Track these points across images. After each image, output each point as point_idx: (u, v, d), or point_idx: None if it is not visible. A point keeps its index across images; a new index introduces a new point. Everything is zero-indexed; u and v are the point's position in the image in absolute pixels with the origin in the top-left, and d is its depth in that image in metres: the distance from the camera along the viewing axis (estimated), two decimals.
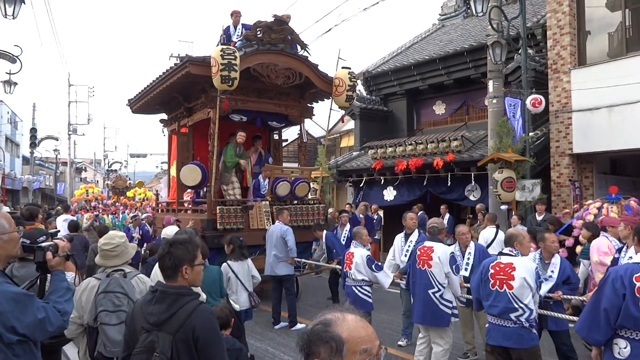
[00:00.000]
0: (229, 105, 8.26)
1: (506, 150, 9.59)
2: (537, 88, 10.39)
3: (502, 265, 3.91)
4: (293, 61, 8.59)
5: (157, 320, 2.18)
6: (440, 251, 4.86)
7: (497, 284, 3.87)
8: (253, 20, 8.59)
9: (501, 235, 7.92)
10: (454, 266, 4.86)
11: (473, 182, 11.32)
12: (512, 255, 3.95)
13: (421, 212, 11.25)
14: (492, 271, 3.93)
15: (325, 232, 7.90)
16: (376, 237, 11.79)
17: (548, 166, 10.50)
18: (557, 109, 10.31)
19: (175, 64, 8.24)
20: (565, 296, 4.59)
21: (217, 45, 8.44)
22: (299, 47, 8.90)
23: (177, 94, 9.35)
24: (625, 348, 2.94)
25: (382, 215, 13.14)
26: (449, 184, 11.83)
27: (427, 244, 4.99)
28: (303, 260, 8.41)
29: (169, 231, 5.09)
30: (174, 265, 2.29)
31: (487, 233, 8.12)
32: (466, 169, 11.33)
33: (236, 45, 8.62)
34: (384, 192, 13.66)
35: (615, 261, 4.98)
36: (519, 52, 10.40)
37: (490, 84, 10.31)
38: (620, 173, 11.42)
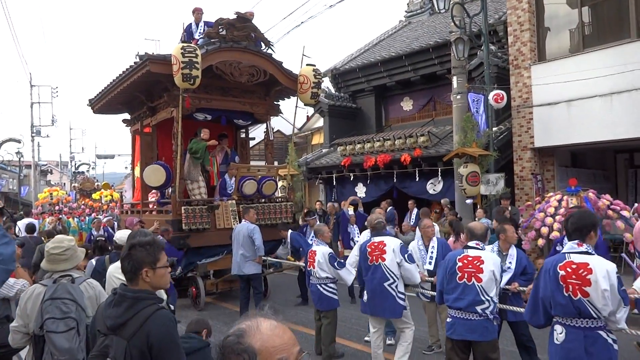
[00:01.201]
0: (192, 104, 8.16)
1: (471, 145, 9.74)
2: (499, 84, 10.59)
3: (470, 259, 3.94)
4: (257, 59, 8.54)
5: (113, 324, 2.13)
6: (393, 243, 4.92)
7: (466, 277, 3.89)
8: (216, 17, 8.49)
9: (436, 227, 8.51)
10: (405, 255, 4.90)
11: (439, 176, 11.47)
12: (479, 249, 4.00)
13: (390, 207, 11.32)
14: (459, 264, 3.95)
15: (290, 231, 7.87)
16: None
17: (511, 160, 10.71)
18: (518, 104, 10.52)
19: (135, 63, 8.06)
20: (521, 288, 4.68)
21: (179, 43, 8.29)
22: (263, 45, 8.84)
23: (139, 93, 9.17)
24: (561, 333, 3.09)
25: (351, 211, 13.17)
26: (416, 179, 11.96)
27: (377, 239, 4.99)
28: (269, 258, 8.36)
29: (121, 235, 4.95)
30: (134, 268, 2.24)
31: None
32: (433, 164, 11.47)
33: (198, 43, 8.50)
34: (356, 189, 13.71)
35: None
36: (482, 48, 10.57)
37: (454, 80, 10.45)
38: (580, 166, 11.74)
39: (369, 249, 4.98)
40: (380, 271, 4.86)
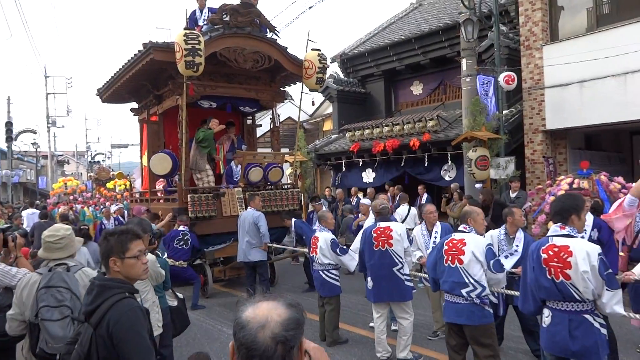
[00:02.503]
0: (197, 92, 8.12)
1: (480, 128, 9.57)
2: (510, 65, 10.34)
3: (455, 242, 3.97)
4: (261, 44, 8.42)
5: (85, 311, 2.16)
6: (399, 228, 4.96)
7: (450, 259, 3.93)
8: (219, 3, 8.40)
9: (413, 211, 8.98)
10: (409, 239, 5.05)
11: (450, 161, 11.33)
12: (466, 232, 3.99)
13: (401, 193, 11.22)
14: (445, 247, 4.00)
15: (293, 219, 7.86)
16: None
17: (522, 143, 10.52)
18: (529, 85, 10.29)
19: (139, 51, 8.04)
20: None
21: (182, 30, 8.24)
22: (268, 30, 8.74)
23: (145, 82, 9.16)
24: (547, 317, 3.09)
25: (362, 197, 13.10)
26: (426, 164, 11.83)
27: (382, 224, 4.99)
28: (275, 245, 8.37)
29: None
30: (103, 256, 2.28)
31: (401, 210, 9.20)
32: (442, 149, 11.32)
33: (202, 29, 8.44)
34: (363, 174, 13.63)
35: None
36: (492, 29, 10.32)
37: (464, 62, 10.24)
38: (595, 148, 11.48)
39: (375, 234, 4.96)
40: (389, 256, 4.89)
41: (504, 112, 10.30)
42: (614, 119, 9.12)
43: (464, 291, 3.83)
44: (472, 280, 3.82)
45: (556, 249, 3.00)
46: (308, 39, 8.93)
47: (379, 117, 14.50)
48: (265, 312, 1.15)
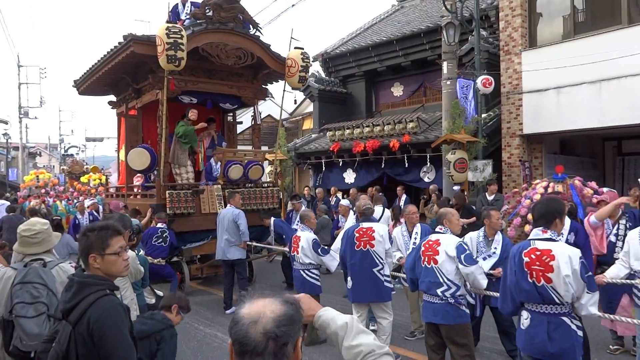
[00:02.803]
0: (177, 86, 8.01)
1: (459, 131, 9.70)
2: (490, 69, 10.51)
3: (431, 243, 4.05)
4: (244, 41, 8.37)
5: (63, 308, 2.11)
6: (382, 229, 4.99)
7: (426, 260, 4.01)
8: None
9: (387, 213, 8.85)
10: (391, 242, 5.10)
11: (429, 163, 11.45)
12: (441, 233, 4.09)
13: (380, 194, 11.30)
14: (423, 249, 4.07)
15: (273, 219, 7.83)
16: (335, 218, 11.77)
17: (500, 147, 10.69)
18: (508, 90, 10.47)
19: (119, 43, 7.88)
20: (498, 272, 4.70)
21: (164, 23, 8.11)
22: (251, 27, 8.67)
23: (124, 75, 8.99)
24: (526, 319, 3.13)
25: (341, 197, 13.14)
26: (405, 166, 11.93)
27: (365, 225, 5.01)
28: (255, 243, 8.33)
29: None
30: (83, 253, 2.22)
31: (375, 211, 9.01)
32: (422, 151, 11.43)
33: (184, 24, 8.32)
34: (344, 174, 13.66)
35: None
36: (473, 33, 10.47)
37: (445, 65, 10.36)
38: (569, 153, 11.76)
39: (357, 234, 4.97)
40: (370, 257, 4.90)
41: (483, 115, 10.46)
42: (589, 125, 9.35)
43: (439, 291, 3.89)
44: (446, 280, 3.89)
45: (538, 253, 3.04)
46: (291, 37, 8.91)
47: (360, 118, 14.56)
48: (259, 308, 1.15)
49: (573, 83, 9.36)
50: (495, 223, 4.98)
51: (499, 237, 4.96)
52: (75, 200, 15.48)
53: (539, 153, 10.67)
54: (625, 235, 5.14)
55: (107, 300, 2.12)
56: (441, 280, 3.89)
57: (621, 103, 8.73)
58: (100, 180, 19.44)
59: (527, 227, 8.17)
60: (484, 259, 4.89)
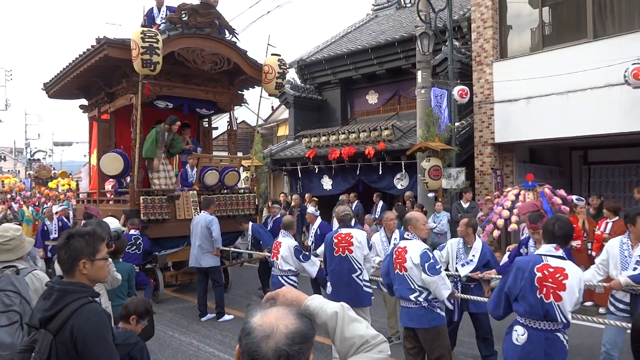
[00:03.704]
0: (152, 91, 7.93)
1: (433, 139, 9.87)
2: (462, 79, 10.76)
3: (400, 250, 4.07)
4: (220, 46, 8.34)
5: (41, 317, 2.04)
6: (360, 236, 5.01)
7: (398, 267, 4.03)
8: (178, 2, 8.24)
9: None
10: (369, 245, 5.13)
11: (403, 170, 11.59)
12: (408, 239, 4.09)
13: (357, 201, 11.39)
14: (394, 255, 4.10)
15: (251, 223, 7.78)
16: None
17: (472, 155, 10.93)
18: (480, 100, 10.73)
19: (92, 46, 7.74)
20: (480, 275, 4.82)
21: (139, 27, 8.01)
22: (227, 33, 8.66)
23: (96, 78, 8.84)
24: (522, 335, 3.11)
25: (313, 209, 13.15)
26: (380, 173, 12.05)
27: (344, 231, 5.04)
28: (232, 249, 8.27)
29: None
30: (70, 259, 2.14)
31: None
32: (397, 158, 11.57)
33: (160, 28, 8.25)
34: (322, 181, 13.70)
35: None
36: (446, 43, 10.70)
37: (419, 74, 10.55)
38: (538, 161, 12.11)
39: (336, 240, 5.00)
40: (348, 262, 4.93)
41: (456, 124, 10.68)
42: (557, 134, 9.67)
43: (412, 297, 3.94)
44: (416, 286, 3.93)
45: (551, 270, 3.03)
46: (268, 44, 8.93)
47: (335, 125, 14.65)
48: (272, 321, 1.11)
49: (542, 94, 9.67)
50: (461, 231, 5.11)
51: (478, 244, 5.03)
52: (43, 207, 15.07)
53: (509, 161, 10.95)
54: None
55: (91, 308, 2.07)
56: (412, 286, 3.94)
57: (587, 114, 9.06)
58: (69, 185, 18.99)
59: (496, 232, 8.33)
60: (462, 265, 4.98)
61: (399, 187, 11.87)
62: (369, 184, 12.52)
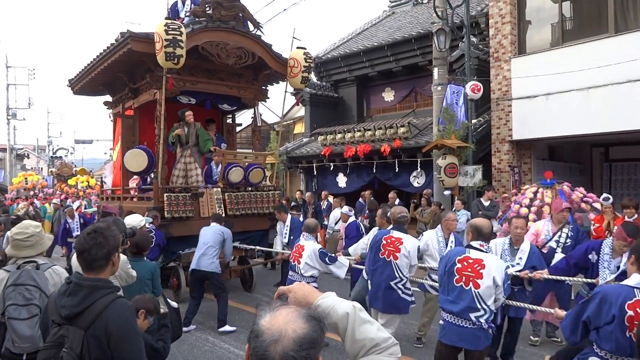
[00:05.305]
0: (175, 86, 7.80)
1: (449, 136, 9.85)
2: (480, 76, 10.73)
3: (470, 261, 3.65)
4: (245, 40, 8.17)
5: (69, 313, 2.07)
6: (410, 245, 4.80)
7: (463, 280, 3.64)
8: None
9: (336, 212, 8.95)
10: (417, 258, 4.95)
11: (419, 168, 11.58)
12: (483, 251, 3.69)
13: (372, 199, 11.40)
14: (459, 265, 3.69)
15: (290, 215, 7.55)
16: (324, 222, 11.79)
17: (490, 152, 10.89)
18: (498, 96, 10.69)
19: (116, 40, 7.73)
20: (531, 275, 4.58)
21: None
22: (251, 26, 8.51)
23: (120, 74, 8.88)
24: None
25: (331, 201, 13.21)
26: (396, 170, 12.06)
27: (395, 234, 4.86)
28: (259, 248, 8.24)
29: (131, 220, 4.87)
30: (106, 254, 2.21)
31: (335, 213, 9.84)
32: (413, 156, 11.58)
33: (184, 22, 8.24)
34: (337, 179, 13.75)
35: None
36: (463, 40, 10.68)
37: (435, 71, 10.55)
38: (557, 159, 12.01)
39: (385, 242, 4.81)
40: (390, 268, 4.75)
41: (473, 121, 10.65)
42: (577, 131, 9.59)
43: (473, 315, 3.64)
44: (483, 306, 3.61)
45: None
46: (293, 37, 8.79)
47: (351, 122, 14.70)
48: (281, 324, 1.09)
49: (562, 90, 9.60)
50: (451, 224, 5.21)
51: (526, 247, 4.75)
52: (65, 205, 15.37)
53: (528, 159, 10.88)
54: (565, 243, 5.43)
55: (122, 302, 2.16)
56: (478, 305, 3.57)
57: (608, 110, 8.98)
58: (88, 182, 19.29)
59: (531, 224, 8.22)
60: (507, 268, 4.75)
61: (415, 184, 11.87)
62: (384, 181, 12.54)
